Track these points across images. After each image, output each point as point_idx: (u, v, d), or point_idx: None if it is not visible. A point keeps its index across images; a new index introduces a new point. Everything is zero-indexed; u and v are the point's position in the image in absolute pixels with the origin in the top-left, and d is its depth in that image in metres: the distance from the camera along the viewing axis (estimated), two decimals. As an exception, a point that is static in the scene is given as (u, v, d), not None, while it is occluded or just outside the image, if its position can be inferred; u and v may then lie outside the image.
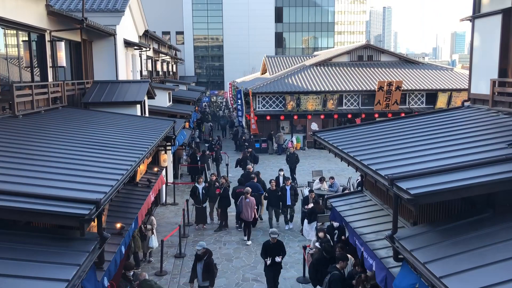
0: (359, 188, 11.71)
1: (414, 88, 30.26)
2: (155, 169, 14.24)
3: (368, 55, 34.93)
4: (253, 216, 14.47)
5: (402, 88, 29.26)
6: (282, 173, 17.34)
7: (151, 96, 17.61)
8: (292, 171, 22.06)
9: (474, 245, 5.37)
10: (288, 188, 15.62)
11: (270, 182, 15.64)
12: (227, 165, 23.59)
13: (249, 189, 14.76)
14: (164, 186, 17.91)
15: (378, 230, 8.29)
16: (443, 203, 6.85)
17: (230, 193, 15.88)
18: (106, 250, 7.00)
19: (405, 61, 35.16)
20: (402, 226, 7.81)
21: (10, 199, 5.36)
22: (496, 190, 5.73)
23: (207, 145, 28.31)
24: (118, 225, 8.47)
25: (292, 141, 29.91)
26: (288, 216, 15.76)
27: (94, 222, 5.84)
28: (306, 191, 16.10)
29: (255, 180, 16.17)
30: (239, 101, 32.81)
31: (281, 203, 15.62)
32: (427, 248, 5.60)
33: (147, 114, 17.11)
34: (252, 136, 29.40)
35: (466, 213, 6.41)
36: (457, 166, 6.05)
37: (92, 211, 5.36)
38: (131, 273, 8.57)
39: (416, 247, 5.65)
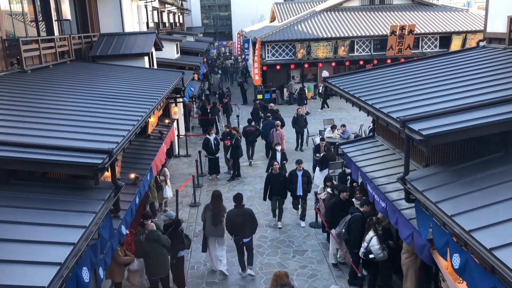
0: (371, 134, 11.67)
1: (427, 31, 29.39)
2: (166, 121, 14.29)
3: (379, -2, 33.76)
4: (284, 146, 16.13)
5: (415, 32, 28.42)
6: (279, 148, 14.56)
7: (158, 47, 17.40)
8: (300, 136, 19.16)
9: (485, 184, 5.37)
10: (300, 174, 11.94)
11: (273, 164, 12.04)
12: (237, 116, 23.56)
13: (278, 122, 17.00)
14: (176, 138, 18.05)
15: (390, 174, 8.30)
16: (455, 144, 6.80)
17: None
18: (121, 200, 7.17)
19: (418, 4, 33.93)
20: (414, 169, 7.82)
21: (25, 151, 5.45)
22: (509, 129, 5.64)
23: (217, 96, 28.18)
24: (132, 176, 8.61)
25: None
26: (300, 210, 12.34)
27: (108, 172, 5.93)
28: (317, 140, 16.09)
29: (271, 118, 18.42)
30: (247, 50, 32.20)
31: (289, 192, 12.21)
32: (438, 188, 5.62)
33: (155, 66, 16.97)
34: (261, 87, 29.08)
35: (478, 153, 6.37)
36: (469, 106, 5.95)
37: (105, 160, 5.43)
38: (149, 221, 8.78)
39: (427, 188, 5.67)
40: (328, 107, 26.90)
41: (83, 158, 5.41)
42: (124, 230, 7.30)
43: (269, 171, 12.43)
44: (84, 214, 5.12)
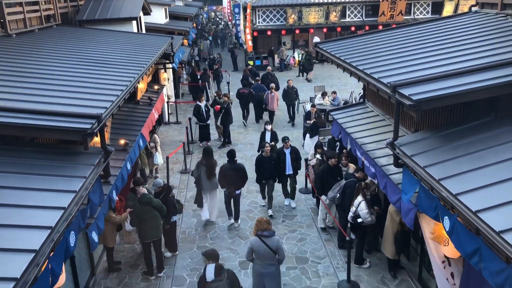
0: (361, 100, 11.66)
1: (420, -3, 29.05)
2: (156, 87, 14.14)
3: (372, -38, 33.08)
4: (277, 106, 17.44)
5: (407, -2, 28.10)
6: (269, 127, 13.01)
7: (146, 12, 17.01)
8: (291, 108, 18.04)
9: (474, 148, 5.43)
10: (287, 152, 11.14)
11: (264, 146, 10.99)
12: (228, 83, 23.36)
13: (273, 84, 17.80)
14: (166, 105, 17.90)
15: (379, 140, 8.36)
16: (444, 109, 6.83)
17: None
18: (112, 166, 7.17)
19: (412, -32, 33.35)
20: (404, 135, 7.87)
21: (13, 115, 5.39)
22: (499, 94, 5.67)
23: (207, 63, 27.85)
24: (122, 142, 8.57)
25: (293, 57, 29.33)
26: (289, 188, 11.52)
27: (97, 137, 5.89)
28: (308, 106, 16.07)
29: (259, 82, 18.83)
30: (238, 15, 31.63)
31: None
32: (427, 152, 5.67)
33: (143, 31, 16.63)
34: (252, 53, 28.74)
35: (467, 118, 6.41)
36: (460, 71, 5.94)
37: (94, 125, 5.39)
38: (141, 187, 8.81)
39: (416, 152, 5.73)
40: (307, 78, 26.41)
41: (71, 123, 5.37)
42: (115, 196, 7.33)
43: (260, 153, 11.46)
44: (74, 179, 5.11)
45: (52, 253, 4.13)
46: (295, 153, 11.18)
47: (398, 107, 5.96)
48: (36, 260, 3.70)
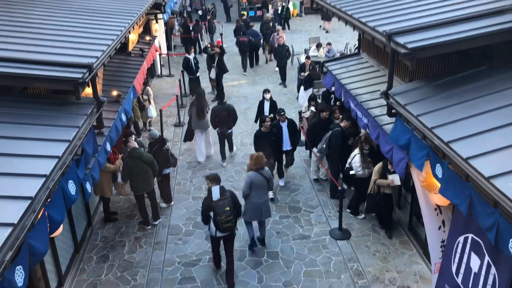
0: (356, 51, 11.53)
1: None
2: (147, 38, 13.87)
3: None
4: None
5: None
6: (268, 96, 11.37)
7: (136, -41, 16.35)
8: (281, 70, 16.79)
9: (467, 97, 5.44)
10: (284, 125, 9.95)
11: (265, 120, 9.60)
12: (221, 34, 22.91)
13: (279, 26, 20.34)
14: (158, 57, 17.62)
15: (373, 91, 8.32)
16: (439, 59, 6.78)
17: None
18: (105, 117, 7.14)
19: None
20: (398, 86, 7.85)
21: (2, 65, 5.29)
22: (493, 42, 5.61)
23: (200, 14, 27.20)
24: (115, 93, 8.49)
25: (288, 8, 28.63)
26: (284, 168, 10.52)
27: (89, 87, 5.83)
28: (302, 58, 15.89)
29: (253, 27, 19.30)
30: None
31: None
32: (420, 101, 5.68)
33: (134, -20, 16.07)
34: (246, 4, 28.06)
35: (461, 67, 6.38)
36: (455, 19, 5.85)
37: (85, 74, 5.34)
38: (132, 138, 8.82)
39: (409, 101, 5.73)
40: (289, 29, 25.87)
41: (62, 72, 5.31)
42: (109, 147, 7.35)
43: (259, 127, 10.16)
44: (67, 128, 5.10)
45: (48, 201, 4.18)
46: (292, 127, 10.09)
47: (393, 56, 5.90)
48: (32, 206, 3.76)
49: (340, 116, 9.69)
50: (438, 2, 7.07)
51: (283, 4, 26.64)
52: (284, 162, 10.54)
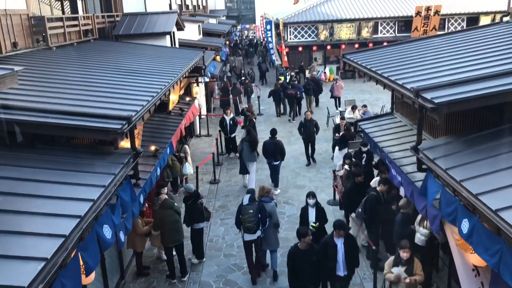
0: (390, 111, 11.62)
1: (454, 12, 28.72)
2: (187, 98, 14.53)
3: (405, -22, 33.03)
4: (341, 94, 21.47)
5: (441, 13, 27.83)
6: (313, 201, 8.79)
7: (180, 27, 17.57)
8: (311, 147, 15.17)
9: (495, 152, 5.40)
10: (340, 243, 7.44)
11: (306, 234, 7.29)
12: (258, 97, 23.63)
13: (338, 76, 23.60)
14: (198, 118, 18.30)
15: (406, 149, 8.31)
16: (468, 115, 6.79)
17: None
18: (141, 170, 7.44)
19: (446, -16, 33.07)
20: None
21: (49, 116, 5.73)
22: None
23: (243, 78, 28.38)
24: (153, 148, 8.87)
25: (325, 72, 29.42)
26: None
27: (127, 138, 6.17)
28: (337, 120, 16.08)
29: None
30: (269, 32, 32.06)
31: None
32: (449, 156, 5.67)
33: (177, 46, 17.17)
34: (284, 69, 29.03)
35: (489, 123, 6.36)
36: (483, 76, 5.94)
37: (124, 126, 5.68)
38: (165, 190, 9.09)
39: (439, 156, 5.73)
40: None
41: (103, 123, 5.67)
42: (142, 199, 7.58)
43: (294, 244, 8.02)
44: (103, 175, 5.38)
45: (81, 242, 4.36)
46: (351, 246, 7.51)
47: (421, 111, 5.99)
48: (65, 245, 3.94)
49: (382, 176, 9.40)
50: (468, 61, 7.20)
51: (292, 73, 27.28)
52: None
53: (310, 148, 15.21)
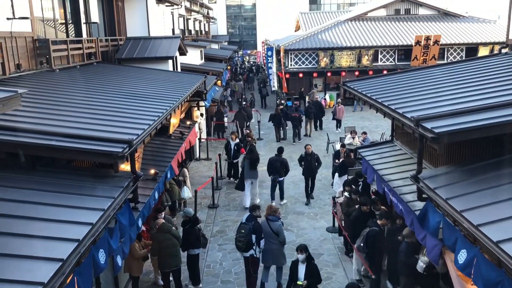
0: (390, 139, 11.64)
1: (453, 42, 29.15)
2: (188, 122, 14.58)
3: (405, 8, 33.64)
4: (343, 117, 23.12)
5: (440, 43, 28.25)
6: (302, 256, 7.99)
7: (182, 52, 17.78)
8: (311, 180, 14.18)
9: (496, 182, 5.40)
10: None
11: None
12: (258, 122, 23.74)
13: (340, 100, 23.78)
14: (197, 142, 18.33)
15: (406, 177, 8.29)
16: (468, 145, 6.81)
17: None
18: (141, 194, 7.41)
19: (445, 15, 33.68)
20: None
21: (49, 138, 5.74)
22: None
23: (244, 104, 28.53)
24: (152, 171, 8.86)
25: (325, 99, 29.62)
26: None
27: (127, 162, 6.17)
28: (337, 146, 16.12)
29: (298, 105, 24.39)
30: (270, 58, 32.44)
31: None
32: (449, 186, 5.66)
33: (179, 71, 17.35)
34: (284, 94, 29.26)
35: (490, 153, 6.38)
36: (483, 106, 5.99)
37: (125, 149, 5.68)
38: (162, 215, 9.06)
39: (439, 185, 5.72)
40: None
41: (104, 146, 5.67)
42: (141, 223, 7.53)
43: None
44: (103, 198, 5.36)
45: (78, 266, 4.31)
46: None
47: (421, 140, 6.01)
48: (62, 269, 3.90)
49: (382, 209, 9.36)
50: (467, 92, 7.27)
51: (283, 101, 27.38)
52: None
53: (310, 182, 14.14)
